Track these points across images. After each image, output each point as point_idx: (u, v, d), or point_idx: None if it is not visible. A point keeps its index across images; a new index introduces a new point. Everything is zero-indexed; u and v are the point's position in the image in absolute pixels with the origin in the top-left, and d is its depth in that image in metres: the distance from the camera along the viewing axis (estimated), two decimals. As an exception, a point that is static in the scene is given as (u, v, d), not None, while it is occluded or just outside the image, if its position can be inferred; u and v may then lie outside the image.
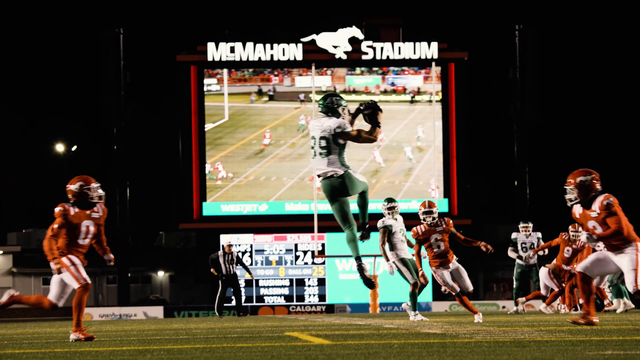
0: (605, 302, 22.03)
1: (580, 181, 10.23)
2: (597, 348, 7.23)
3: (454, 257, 16.14)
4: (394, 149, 44.74)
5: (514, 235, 23.65)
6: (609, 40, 76.49)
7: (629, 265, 10.09)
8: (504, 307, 39.81)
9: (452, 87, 45.29)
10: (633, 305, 22.10)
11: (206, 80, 45.23)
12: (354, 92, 45.76)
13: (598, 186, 10.27)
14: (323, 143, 10.80)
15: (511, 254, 23.66)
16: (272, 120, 45.59)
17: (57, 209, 11.48)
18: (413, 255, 17.18)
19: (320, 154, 10.82)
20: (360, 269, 10.84)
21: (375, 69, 45.66)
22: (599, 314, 19.80)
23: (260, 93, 45.72)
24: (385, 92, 45.81)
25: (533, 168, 47.48)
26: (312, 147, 10.91)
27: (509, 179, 47.74)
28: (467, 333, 10.16)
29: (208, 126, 45.22)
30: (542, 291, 22.66)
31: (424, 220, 16.17)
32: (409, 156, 44.98)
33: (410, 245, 17.57)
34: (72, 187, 11.58)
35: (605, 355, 6.52)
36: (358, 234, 11.07)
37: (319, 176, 10.92)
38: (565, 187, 10.32)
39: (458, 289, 15.86)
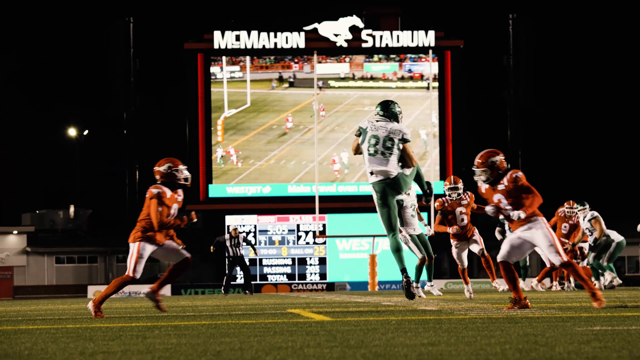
0: (592, 279, 22.50)
1: (491, 162, 10.26)
2: (586, 324, 7.34)
3: (475, 229, 16.38)
4: (410, 134, 44.83)
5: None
6: (601, 28, 77.17)
7: (546, 243, 10.09)
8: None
9: (449, 74, 46.09)
10: (620, 280, 22.76)
11: (229, 68, 46.07)
12: (372, 78, 46.48)
13: (505, 164, 10.37)
14: (388, 144, 11.10)
15: (497, 235, 23.92)
16: (292, 106, 46.35)
17: (154, 191, 11.16)
18: (424, 234, 17.59)
19: (383, 153, 11.06)
20: (407, 284, 10.90)
21: (392, 56, 46.32)
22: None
23: (281, 80, 46.54)
24: (402, 78, 46.51)
25: (526, 152, 48.29)
26: (374, 146, 11.08)
27: (503, 162, 48.64)
28: (462, 310, 10.30)
29: (231, 112, 46.04)
30: (548, 264, 22.57)
31: (449, 196, 16.26)
32: (424, 139, 45.58)
33: (420, 219, 17.76)
34: (160, 168, 11.26)
35: (594, 331, 6.57)
36: (422, 198, 12.00)
37: (371, 173, 11.08)
38: (473, 168, 10.31)
39: (465, 266, 16.44)
